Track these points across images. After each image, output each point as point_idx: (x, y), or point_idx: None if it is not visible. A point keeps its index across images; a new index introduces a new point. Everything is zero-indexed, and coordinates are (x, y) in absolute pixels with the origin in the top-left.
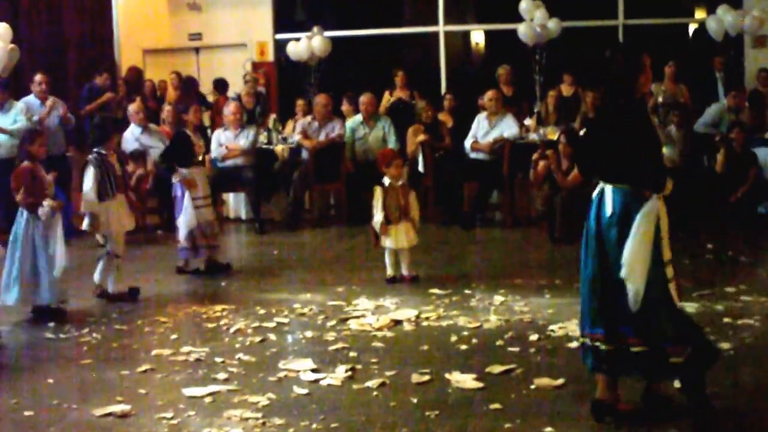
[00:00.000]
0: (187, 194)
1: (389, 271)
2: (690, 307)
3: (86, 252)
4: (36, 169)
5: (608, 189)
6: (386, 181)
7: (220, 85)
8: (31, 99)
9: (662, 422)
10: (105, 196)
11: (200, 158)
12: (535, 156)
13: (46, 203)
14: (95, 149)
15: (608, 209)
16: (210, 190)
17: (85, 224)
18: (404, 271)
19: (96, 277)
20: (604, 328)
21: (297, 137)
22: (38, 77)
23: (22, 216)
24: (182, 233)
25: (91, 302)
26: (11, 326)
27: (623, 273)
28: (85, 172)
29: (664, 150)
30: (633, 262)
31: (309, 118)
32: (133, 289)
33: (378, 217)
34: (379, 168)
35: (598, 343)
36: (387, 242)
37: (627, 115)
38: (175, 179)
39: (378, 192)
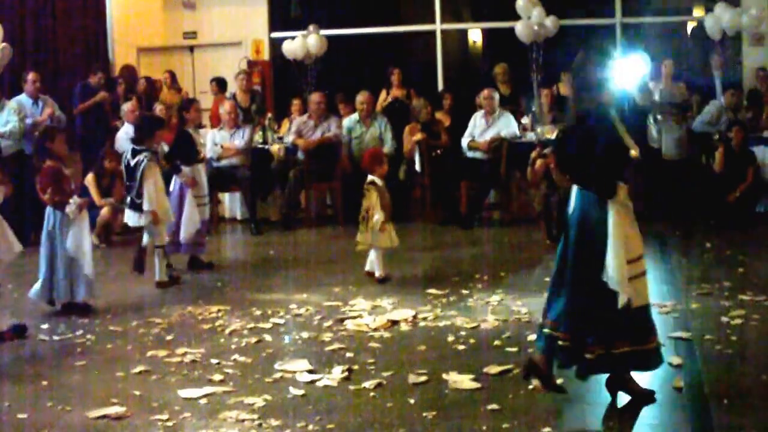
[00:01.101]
0: (189, 193)
1: (379, 272)
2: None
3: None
4: (60, 167)
5: (574, 190)
6: (378, 181)
7: (220, 85)
8: (23, 98)
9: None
10: None
11: (201, 156)
12: (533, 155)
13: (73, 201)
14: (142, 148)
15: (570, 209)
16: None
17: (143, 220)
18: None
19: (158, 275)
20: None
21: (291, 137)
22: (31, 76)
23: (53, 214)
24: (184, 232)
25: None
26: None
27: (612, 284)
28: (148, 171)
29: (633, 153)
30: (615, 267)
31: (305, 116)
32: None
33: (378, 216)
34: (369, 168)
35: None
36: (385, 242)
37: (587, 121)
38: (180, 179)
39: (373, 192)
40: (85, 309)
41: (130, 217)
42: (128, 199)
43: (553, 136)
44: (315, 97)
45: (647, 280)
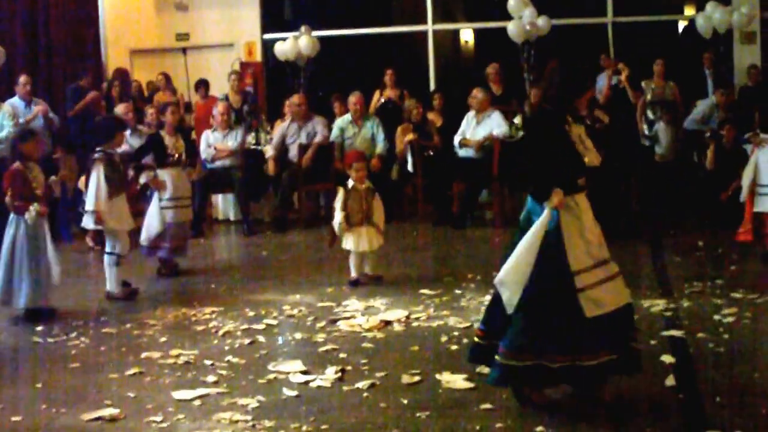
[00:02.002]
0: (155, 196)
1: (353, 273)
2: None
3: (76, 255)
4: (24, 171)
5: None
6: (350, 182)
7: (206, 87)
8: (15, 100)
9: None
10: (111, 194)
11: (176, 158)
12: None
13: (33, 207)
14: (100, 148)
15: (524, 212)
16: (190, 192)
17: (88, 222)
18: (367, 270)
19: (108, 284)
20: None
21: (272, 151)
22: (23, 78)
23: (15, 217)
24: (144, 234)
25: (79, 306)
26: None
27: (496, 279)
28: (93, 170)
29: (587, 160)
30: (508, 269)
31: (287, 121)
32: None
33: (337, 217)
34: (344, 168)
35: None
36: (348, 244)
37: (533, 125)
38: (142, 179)
39: (340, 193)
40: (50, 314)
41: (85, 220)
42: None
43: None
44: (295, 99)
45: (615, 287)
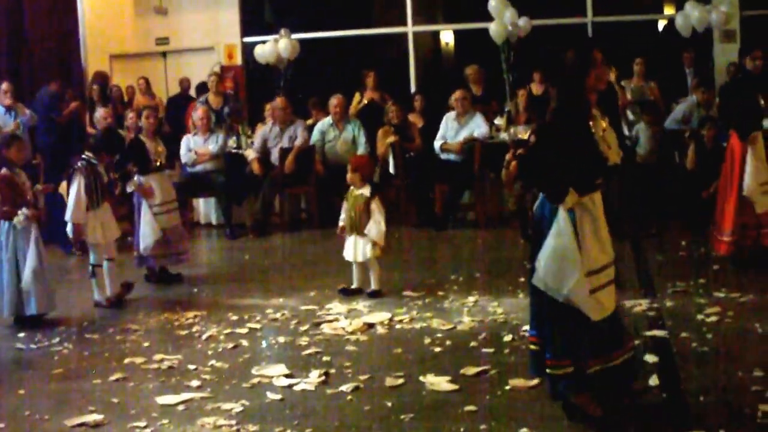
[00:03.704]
0: (144, 204)
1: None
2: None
3: (59, 262)
4: (12, 176)
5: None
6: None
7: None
8: None
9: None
10: (92, 204)
11: (158, 163)
12: (508, 156)
13: (22, 212)
14: (85, 155)
15: (536, 213)
16: (175, 194)
17: (68, 231)
18: (371, 283)
19: (95, 296)
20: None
21: (254, 154)
22: (4, 85)
23: (7, 226)
24: (143, 244)
25: (62, 312)
26: None
27: (542, 286)
28: (73, 180)
29: (610, 158)
30: (545, 274)
31: (269, 124)
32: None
33: (340, 220)
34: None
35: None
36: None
37: (557, 120)
38: (129, 188)
39: (346, 195)
40: (36, 322)
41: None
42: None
43: (526, 136)
44: (278, 103)
45: (613, 290)
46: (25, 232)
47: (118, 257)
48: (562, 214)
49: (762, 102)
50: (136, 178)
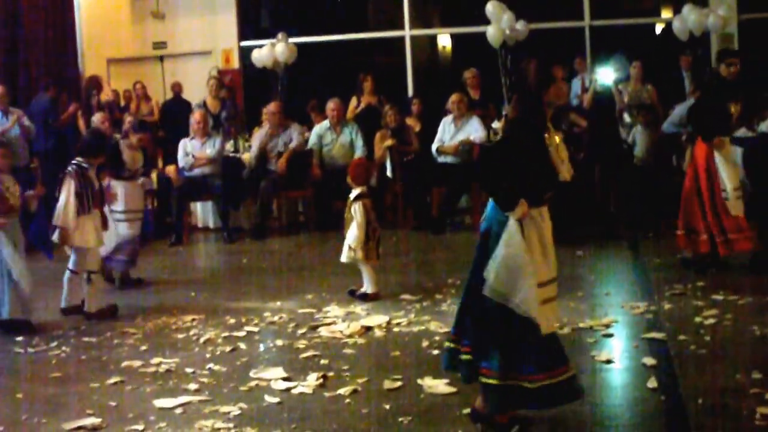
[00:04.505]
0: (107, 208)
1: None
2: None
3: (54, 266)
4: None
5: (490, 200)
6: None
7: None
8: None
9: None
10: (82, 210)
11: (132, 172)
12: None
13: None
14: (76, 160)
15: (484, 222)
16: (142, 205)
17: (54, 236)
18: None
19: (63, 298)
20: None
21: (253, 156)
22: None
23: None
24: (104, 248)
25: (60, 316)
26: None
27: (494, 296)
28: (63, 184)
29: (561, 175)
30: (496, 283)
31: (264, 129)
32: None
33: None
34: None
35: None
36: None
37: (513, 131)
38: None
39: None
40: (24, 326)
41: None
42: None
43: None
44: (271, 108)
45: (556, 307)
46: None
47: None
48: (512, 223)
49: (733, 109)
50: (106, 180)
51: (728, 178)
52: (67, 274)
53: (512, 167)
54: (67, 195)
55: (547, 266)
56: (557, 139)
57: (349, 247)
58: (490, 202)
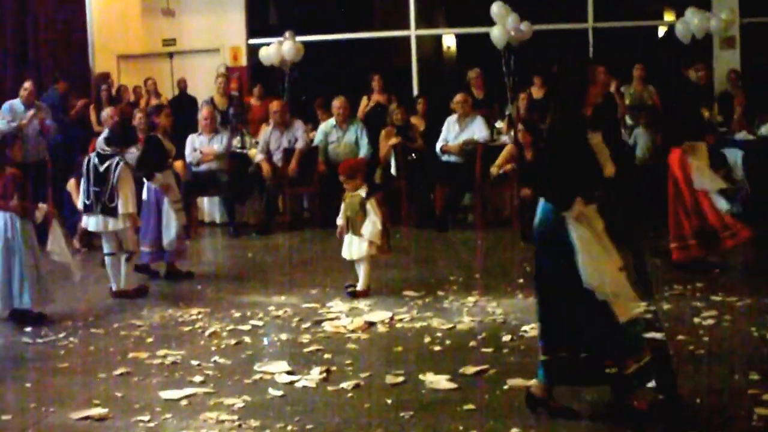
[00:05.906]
0: (167, 199)
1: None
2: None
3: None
4: (21, 174)
5: (541, 200)
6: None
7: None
8: (16, 102)
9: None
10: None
11: (172, 160)
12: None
13: (39, 208)
14: (112, 152)
15: (536, 221)
16: (180, 194)
17: (121, 224)
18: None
19: (122, 282)
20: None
21: (260, 156)
22: (27, 84)
23: (12, 221)
24: (165, 239)
25: (68, 306)
26: None
27: (596, 293)
28: (124, 174)
29: (606, 171)
30: (589, 278)
31: (269, 127)
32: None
33: (338, 219)
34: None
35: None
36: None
37: (557, 132)
38: (154, 185)
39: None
40: (40, 317)
41: (97, 223)
42: (95, 204)
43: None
44: (274, 107)
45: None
46: (51, 226)
47: None
48: (572, 223)
49: (706, 114)
50: (158, 174)
51: (711, 182)
52: (108, 260)
53: (563, 168)
54: (131, 184)
55: (610, 257)
56: (597, 138)
57: (370, 243)
58: (542, 206)
